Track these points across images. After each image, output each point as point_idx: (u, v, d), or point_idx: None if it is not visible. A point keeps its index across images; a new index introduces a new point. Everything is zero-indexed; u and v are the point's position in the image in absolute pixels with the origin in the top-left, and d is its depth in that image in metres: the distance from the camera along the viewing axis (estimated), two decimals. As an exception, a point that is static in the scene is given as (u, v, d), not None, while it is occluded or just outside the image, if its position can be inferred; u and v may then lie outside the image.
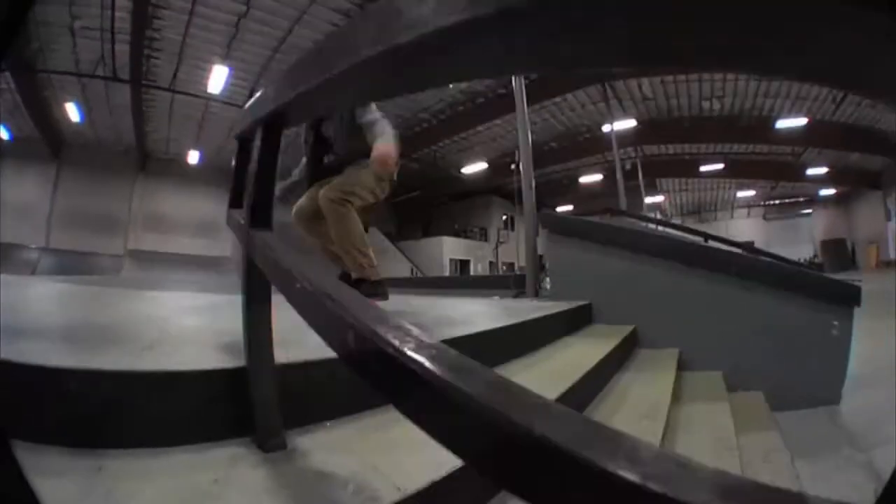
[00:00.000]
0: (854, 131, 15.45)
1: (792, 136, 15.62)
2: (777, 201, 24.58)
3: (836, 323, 3.79)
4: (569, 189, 20.48)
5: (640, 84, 13.82)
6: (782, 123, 15.21)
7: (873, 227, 21.76)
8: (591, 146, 17.00)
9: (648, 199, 19.54)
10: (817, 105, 14.17)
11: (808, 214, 24.78)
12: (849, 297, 3.88)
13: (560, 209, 16.80)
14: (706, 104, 15.11)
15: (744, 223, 25.88)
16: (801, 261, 22.76)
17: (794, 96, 13.93)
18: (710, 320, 3.68)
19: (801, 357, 3.71)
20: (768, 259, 6.25)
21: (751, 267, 4.01)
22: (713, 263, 3.85)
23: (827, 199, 23.95)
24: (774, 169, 19.84)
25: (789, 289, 3.86)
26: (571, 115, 15.61)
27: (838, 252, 23.20)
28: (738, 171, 19.92)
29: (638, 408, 2.13)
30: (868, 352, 3.91)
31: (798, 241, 23.79)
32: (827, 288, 3.94)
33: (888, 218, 20.58)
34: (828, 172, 19.74)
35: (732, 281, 3.78)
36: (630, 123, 14.96)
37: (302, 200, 2.45)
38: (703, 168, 19.59)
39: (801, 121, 14.87)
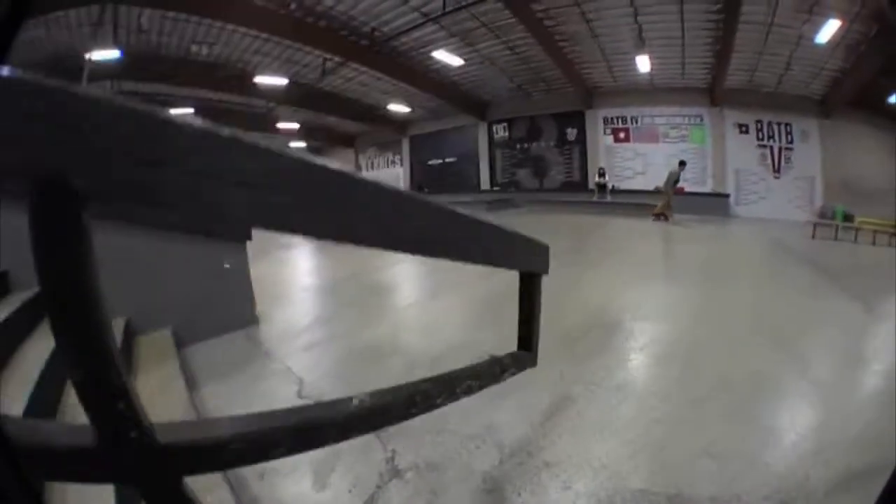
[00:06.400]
0: (333, 98, 18.94)
1: (272, 92, 17.01)
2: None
3: (230, 258, 4.48)
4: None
5: (140, 13, 12.18)
6: (261, 80, 16.25)
7: None
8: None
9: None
10: (301, 69, 16.00)
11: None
12: (241, 237, 4.55)
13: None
14: (195, 48, 14.27)
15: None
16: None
17: (281, 58, 15.14)
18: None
19: (206, 291, 4.28)
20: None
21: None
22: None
23: (299, 150, 27.74)
24: (246, 118, 21.09)
25: (187, 232, 4.19)
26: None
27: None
28: (209, 117, 19.98)
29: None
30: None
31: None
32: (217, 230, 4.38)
33: (358, 170, 25.72)
34: (301, 128, 23.07)
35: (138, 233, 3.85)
36: (114, 54, 12.94)
37: None
38: (174, 111, 18.65)
39: (282, 81, 16.34)
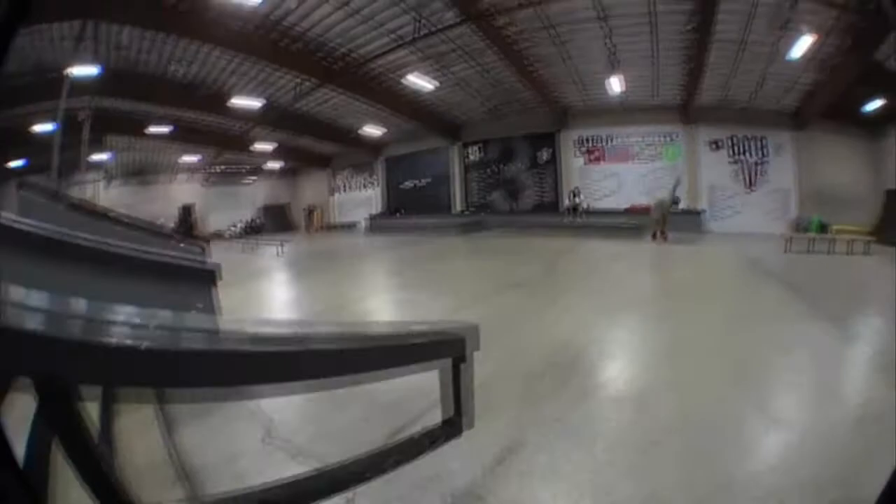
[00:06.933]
0: (309, 119, 19.05)
1: (247, 113, 16.94)
2: (222, 168, 25.95)
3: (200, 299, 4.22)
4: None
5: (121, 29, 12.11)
6: (237, 101, 16.15)
7: (318, 196, 27.54)
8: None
9: (94, 157, 18.49)
10: (277, 92, 15.92)
11: (251, 183, 27.61)
12: (208, 278, 4.31)
13: None
14: (173, 67, 14.23)
15: (185, 187, 26.20)
16: (241, 223, 25.57)
17: (256, 80, 15.08)
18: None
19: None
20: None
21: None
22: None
23: (274, 170, 27.81)
24: (222, 139, 20.99)
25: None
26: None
27: (279, 216, 27.63)
28: (188, 137, 20.07)
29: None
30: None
31: (239, 206, 26.43)
32: (184, 274, 4.21)
33: (333, 191, 26.86)
34: (277, 149, 23.00)
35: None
36: (93, 70, 12.93)
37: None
38: (152, 129, 18.84)
39: (257, 103, 16.28)
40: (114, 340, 0.87)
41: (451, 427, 1.46)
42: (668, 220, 14.25)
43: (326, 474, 1.40)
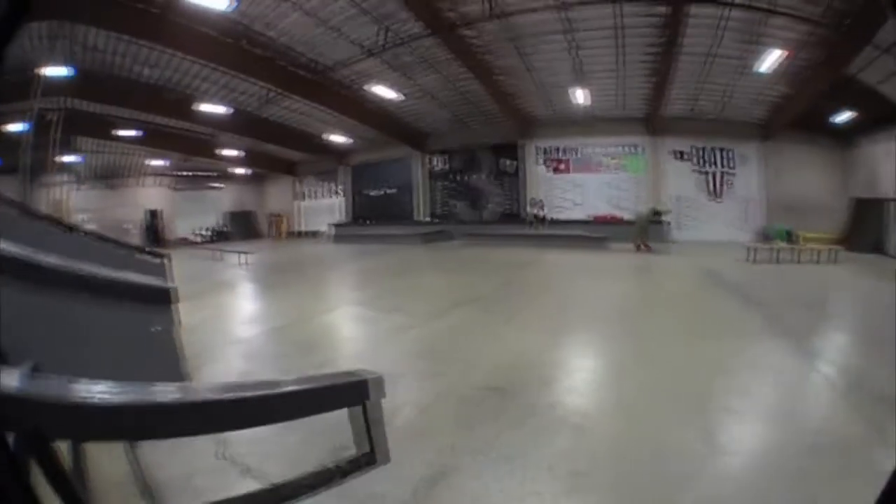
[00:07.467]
0: (274, 126, 18.93)
1: (213, 119, 16.66)
2: (189, 173, 25.49)
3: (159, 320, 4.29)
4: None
5: (91, 31, 11.85)
6: (204, 107, 15.89)
7: (283, 203, 27.07)
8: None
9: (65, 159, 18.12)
10: (244, 98, 15.65)
11: (219, 188, 27.12)
12: (166, 298, 4.35)
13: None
14: (141, 69, 14.01)
15: (153, 191, 25.67)
16: (208, 229, 25.13)
17: (224, 86, 14.85)
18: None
19: (134, 355, 4.05)
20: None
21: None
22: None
23: (240, 175, 27.34)
24: (191, 144, 20.61)
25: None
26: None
27: (245, 222, 27.14)
28: (156, 141, 19.71)
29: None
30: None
31: (205, 212, 26.00)
32: (141, 295, 4.22)
33: (297, 198, 26.67)
34: (243, 155, 22.73)
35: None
36: (62, 71, 12.71)
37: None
38: (121, 132, 18.62)
39: (221, 109, 16.03)
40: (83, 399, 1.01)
41: (367, 459, 1.54)
42: (648, 232, 14.75)
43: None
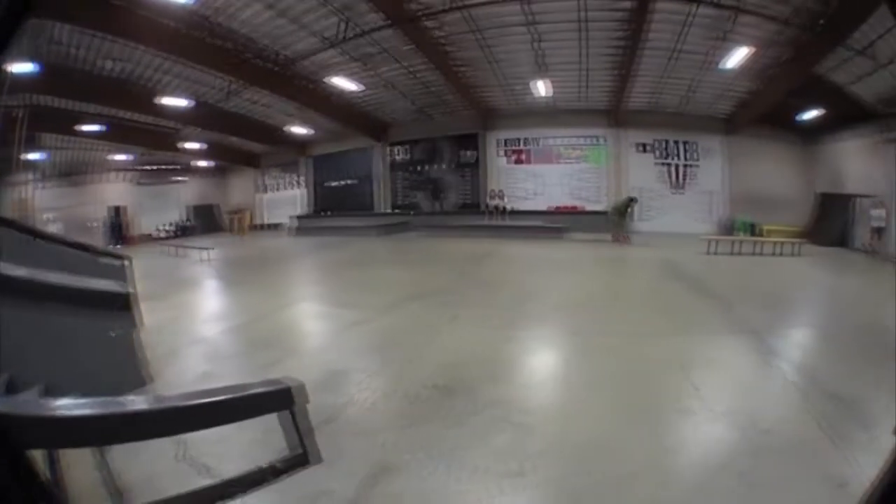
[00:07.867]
0: (237, 118, 18.67)
1: (177, 112, 16.30)
2: (153, 167, 24.93)
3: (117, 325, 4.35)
4: None
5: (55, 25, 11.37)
6: (167, 100, 15.53)
7: (246, 196, 26.75)
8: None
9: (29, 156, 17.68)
10: (206, 90, 15.41)
11: (183, 182, 26.56)
12: (125, 303, 4.43)
13: None
14: (107, 63, 13.58)
15: (116, 187, 25.01)
16: (171, 225, 24.69)
17: (184, 78, 14.55)
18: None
19: (94, 360, 4.14)
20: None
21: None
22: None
23: (203, 168, 26.83)
24: (154, 137, 20.15)
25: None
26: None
27: (208, 216, 26.70)
28: (120, 135, 19.22)
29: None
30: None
31: (168, 207, 25.49)
32: (103, 302, 4.24)
33: (260, 191, 26.41)
34: (205, 147, 22.28)
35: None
36: (27, 67, 12.05)
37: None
38: (84, 127, 18.03)
39: (184, 102, 15.68)
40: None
41: (300, 460, 1.64)
42: (623, 224, 15.21)
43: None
